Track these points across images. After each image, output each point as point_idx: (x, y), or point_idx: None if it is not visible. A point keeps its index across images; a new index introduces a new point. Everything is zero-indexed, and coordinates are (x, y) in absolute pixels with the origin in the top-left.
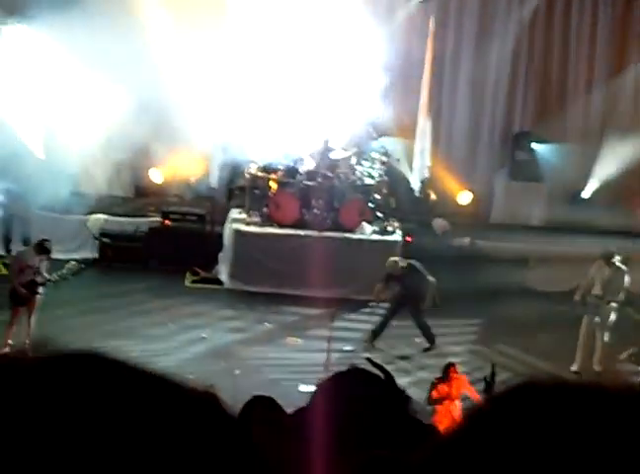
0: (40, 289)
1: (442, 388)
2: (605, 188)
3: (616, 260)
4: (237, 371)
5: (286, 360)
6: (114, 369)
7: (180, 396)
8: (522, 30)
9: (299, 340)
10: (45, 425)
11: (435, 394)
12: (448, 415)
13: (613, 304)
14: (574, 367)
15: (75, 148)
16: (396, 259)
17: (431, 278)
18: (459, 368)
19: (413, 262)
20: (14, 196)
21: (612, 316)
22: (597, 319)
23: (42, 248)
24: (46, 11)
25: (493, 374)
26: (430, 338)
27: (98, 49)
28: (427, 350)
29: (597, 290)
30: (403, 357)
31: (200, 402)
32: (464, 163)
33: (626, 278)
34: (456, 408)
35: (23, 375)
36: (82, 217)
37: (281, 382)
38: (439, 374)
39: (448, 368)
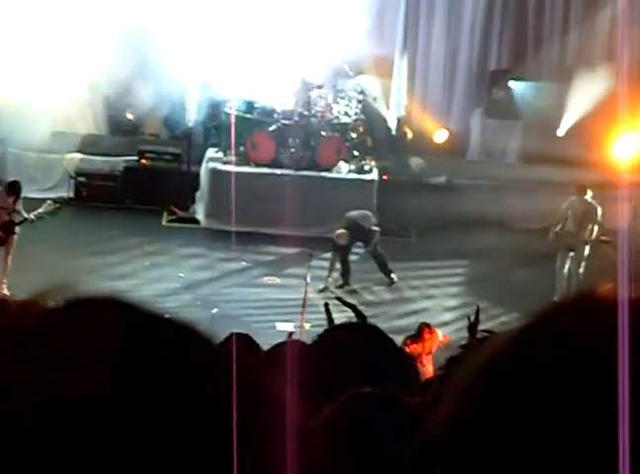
0: (17, 229)
1: (414, 347)
2: (579, 125)
3: (589, 195)
4: (214, 310)
5: (264, 299)
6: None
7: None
8: None
9: (276, 278)
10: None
11: (406, 350)
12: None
13: (587, 239)
14: (555, 298)
15: (52, 86)
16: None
17: (375, 228)
18: (437, 307)
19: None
20: None
21: (587, 251)
22: (571, 254)
23: (13, 189)
24: None
25: (477, 313)
26: (388, 274)
27: None
28: (390, 284)
29: (570, 226)
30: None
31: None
32: (441, 101)
33: (599, 213)
34: (428, 363)
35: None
36: (58, 156)
37: (259, 321)
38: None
39: (422, 329)
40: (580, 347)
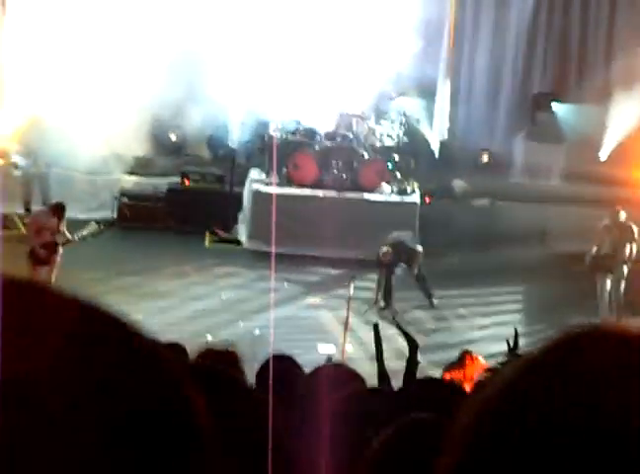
0: (60, 250)
1: (455, 374)
2: (621, 148)
3: (622, 217)
4: (257, 331)
5: (306, 321)
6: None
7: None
8: None
9: (319, 300)
10: None
11: (446, 377)
12: None
13: (626, 261)
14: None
15: (102, 108)
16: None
17: (419, 248)
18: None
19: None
20: (34, 156)
21: (625, 271)
22: (610, 276)
23: (58, 209)
24: None
25: (516, 336)
26: (429, 297)
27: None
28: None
29: (607, 249)
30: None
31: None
32: (484, 124)
33: (635, 233)
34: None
35: None
36: (103, 177)
37: (301, 342)
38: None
39: (464, 356)
40: (579, 389)
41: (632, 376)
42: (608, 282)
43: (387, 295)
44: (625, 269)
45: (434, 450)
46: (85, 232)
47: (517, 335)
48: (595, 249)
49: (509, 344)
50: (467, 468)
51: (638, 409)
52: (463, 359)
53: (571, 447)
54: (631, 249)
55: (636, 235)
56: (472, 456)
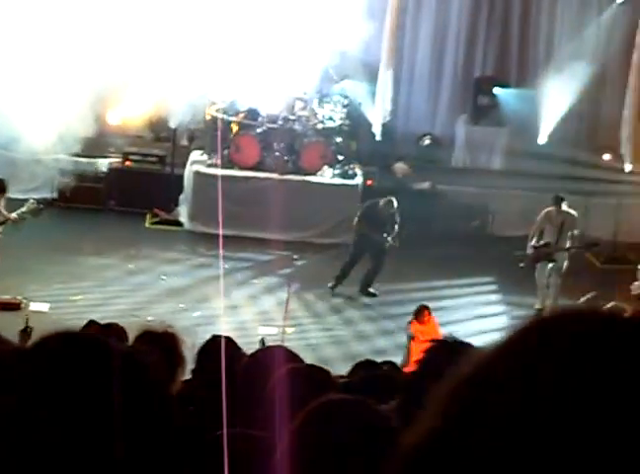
0: (1, 228)
1: (416, 327)
2: (558, 130)
3: (565, 205)
4: (196, 313)
5: (245, 303)
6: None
7: None
8: None
9: (260, 281)
10: None
11: (410, 329)
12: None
13: (567, 249)
14: (537, 306)
15: (36, 87)
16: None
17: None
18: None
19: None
20: None
21: (566, 263)
22: (550, 265)
23: None
24: None
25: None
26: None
27: None
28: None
29: (548, 237)
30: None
31: None
32: (426, 107)
33: (577, 223)
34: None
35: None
36: (42, 157)
37: (242, 324)
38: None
39: (422, 311)
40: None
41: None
42: (547, 271)
43: (343, 275)
44: (566, 257)
45: (350, 431)
46: (24, 209)
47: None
48: (534, 238)
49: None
50: (444, 435)
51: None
52: (422, 315)
53: (545, 425)
54: (572, 237)
55: (577, 225)
56: (451, 425)
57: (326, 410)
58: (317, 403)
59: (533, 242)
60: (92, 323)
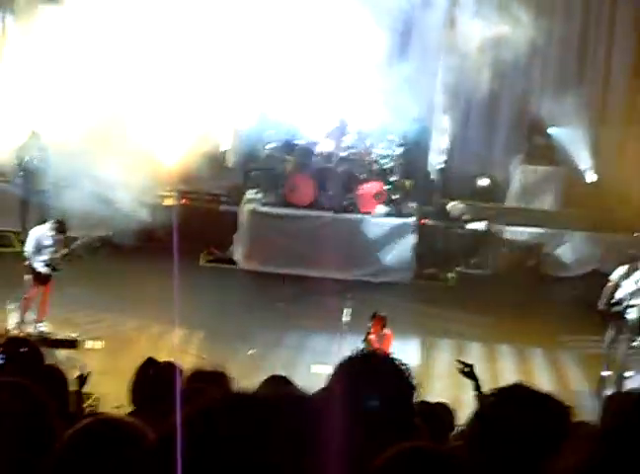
0: (59, 267)
1: (370, 337)
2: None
3: None
4: (251, 351)
5: (300, 342)
6: None
7: None
8: (541, 18)
9: (314, 320)
10: None
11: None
12: None
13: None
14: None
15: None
16: None
17: None
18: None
19: None
20: (32, 172)
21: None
22: (624, 323)
23: (59, 227)
24: None
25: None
26: None
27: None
28: None
29: (621, 294)
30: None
31: None
32: (481, 146)
33: None
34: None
35: None
36: (100, 195)
37: (295, 363)
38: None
39: (375, 319)
40: None
41: None
42: (621, 330)
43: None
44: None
45: None
46: (80, 248)
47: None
48: (609, 291)
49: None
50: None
51: None
52: (373, 320)
53: None
54: None
55: None
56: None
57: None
58: (396, 450)
59: (606, 301)
60: (150, 361)
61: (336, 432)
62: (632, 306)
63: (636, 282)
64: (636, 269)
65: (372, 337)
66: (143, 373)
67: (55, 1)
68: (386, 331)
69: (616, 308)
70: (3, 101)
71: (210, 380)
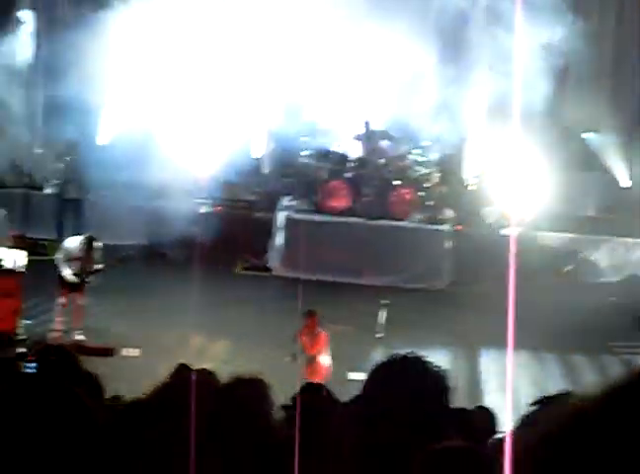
0: (90, 278)
1: (302, 336)
2: None
3: None
4: (287, 358)
5: (336, 349)
6: None
7: None
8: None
9: (349, 327)
10: None
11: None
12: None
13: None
14: None
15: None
16: None
17: None
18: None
19: None
20: (68, 181)
21: None
22: None
23: (89, 242)
24: None
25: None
26: None
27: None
28: None
29: None
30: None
31: None
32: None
33: None
34: (321, 363)
35: None
36: (135, 204)
37: (332, 370)
38: None
39: (308, 316)
40: None
41: None
42: None
43: None
44: None
45: None
46: (114, 258)
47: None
48: None
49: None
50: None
51: None
52: (308, 318)
53: None
54: None
55: None
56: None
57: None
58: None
59: None
60: (183, 367)
61: (368, 435)
62: None
63: None
64: None
65: (304, 336)
66: (177, 378)
67: None
68: (320, 330)
69: None
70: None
71: (248, 388)
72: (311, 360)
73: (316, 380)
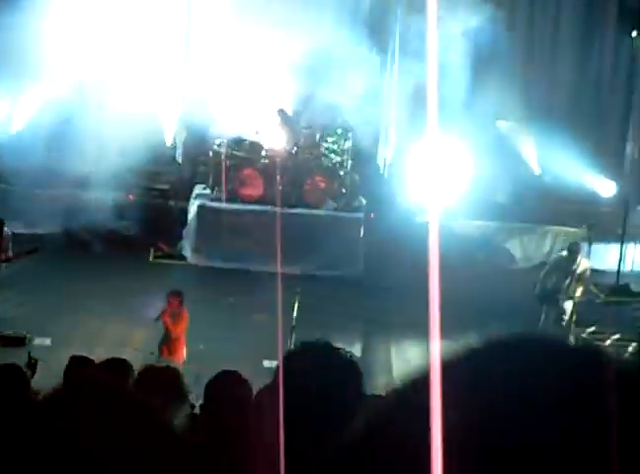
0: (1, 267)
1: (165, 315)
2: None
3: (581, 254)
4: (201, 346)
5: (251, 337)
6: None
7: None
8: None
9: (264, 316)
10: None
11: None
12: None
13: (574, 297)
14: None
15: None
16: None
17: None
18: None
19: None
20: None
21: (570, 308)
22: (558, 309)
23: None
24: None
25: None
26: None
27: None
28: None
29: (555, 281)
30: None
31: None
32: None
33: (588, 272)
34: (182, 343)
35: None
36: (43, 191)
37: (246, 358)
38: None
39: (172, 296)
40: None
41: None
42: (552, 315)
43: None
44: (569, 305)
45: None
46: (21, 251)
47: None
48: (542, 278)
49: None
50: None
51: None
52: (171, 299)
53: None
54: (583, 287)
55: (588, 272)
56: None
57: None
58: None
59: (540, 285)
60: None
61: (279, 426)
62: (565, 295)
63: (572, 272)
64: (574, 259)
65: (168, 317)
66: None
67: None
68: (182, 310)
69: (551, 295)
70: None
71: (163, 377)
72: (173, 340)
73: (175, 359)
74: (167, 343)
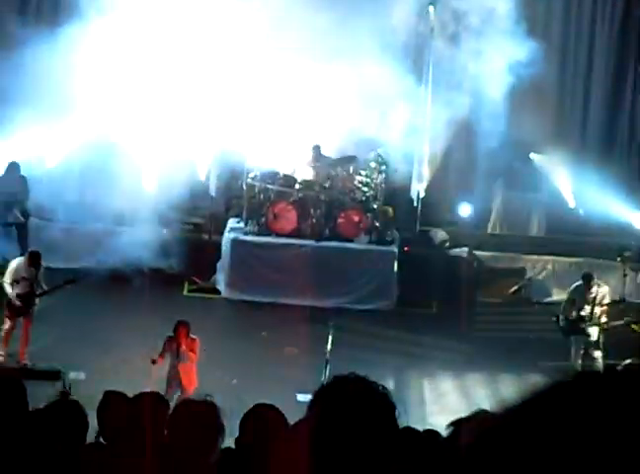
0: (37, 301)
1: (170, 343)
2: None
3: (596, 281)
4: (234, 381)
5: (284, 370)
6: None
7: None
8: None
9: (296, 349)
10: None
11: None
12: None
13: (599, 322)
14: None
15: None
16: None
17: None
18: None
19: None
20: (11, 203)
21: (597, 335)
22: (585, 338)
23: (34, 259)
24: None
25: None
26: None
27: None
28: None
29: (578, 310)
30: None
31: None
32: (463, 172)
33: (607, 298)
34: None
35: None
36: (79, 226)
37: (279, 392)
38: None
39: (177, 327)
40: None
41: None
42: (580, 345)
43: None
44: (595, 331)
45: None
46: (56, 286)
47: None
48: (564, 310)
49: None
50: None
51: None
52: (177, 329)
53: None
54: (606, 313)
55: (607, 299)
56: None
57: None
58: None
59: (564, 315)
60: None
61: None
62: (590, 321)
63: (592, 299)
64: (589, 287)
65: (183, 347)
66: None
67: None
68: (193, 336)
69: (577, 324)
70: None
71: (199, 410)
72: (188, 371)
73: (190, 387)
74: (182, 374)
